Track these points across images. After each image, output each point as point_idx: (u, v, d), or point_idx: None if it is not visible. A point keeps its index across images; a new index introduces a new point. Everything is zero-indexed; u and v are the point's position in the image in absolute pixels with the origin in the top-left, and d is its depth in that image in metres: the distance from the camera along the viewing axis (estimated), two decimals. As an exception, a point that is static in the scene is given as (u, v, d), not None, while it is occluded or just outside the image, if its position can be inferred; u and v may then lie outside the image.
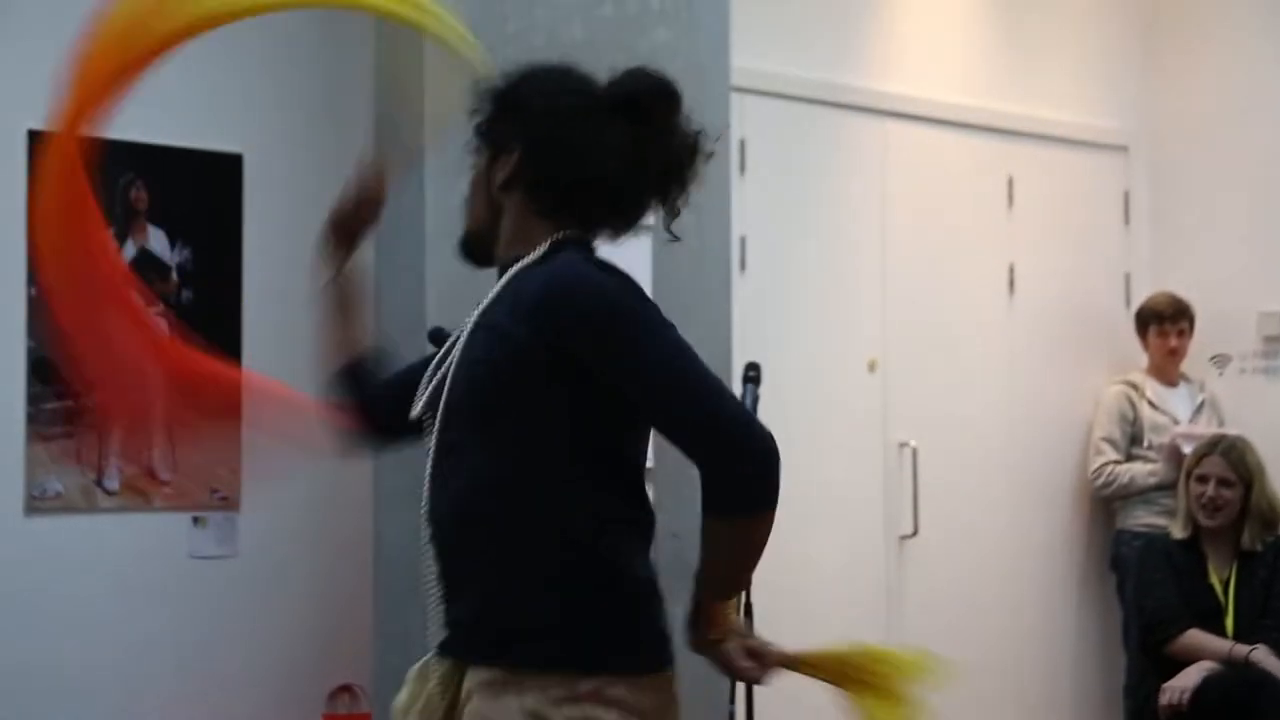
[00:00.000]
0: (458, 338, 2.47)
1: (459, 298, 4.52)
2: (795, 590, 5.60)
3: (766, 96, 5.71)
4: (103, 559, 4.50)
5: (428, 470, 2.44)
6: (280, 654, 4.85)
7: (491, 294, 2.44)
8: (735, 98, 5.03)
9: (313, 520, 4.85)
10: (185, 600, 4.65)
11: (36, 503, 4.36)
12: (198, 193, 4.64)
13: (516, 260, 2.42)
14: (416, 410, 2.45)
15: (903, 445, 6.08)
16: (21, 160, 4.35)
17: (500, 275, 2.46)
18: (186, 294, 4.60)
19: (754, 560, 2.37)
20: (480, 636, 2.33)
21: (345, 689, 4.86)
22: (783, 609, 5.23)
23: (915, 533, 6.09)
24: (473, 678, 2.32)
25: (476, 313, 2.44)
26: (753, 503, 2.24)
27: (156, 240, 4.56)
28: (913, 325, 6.16)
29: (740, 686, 4.40)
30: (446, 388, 2.39)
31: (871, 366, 6.05)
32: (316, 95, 4.93)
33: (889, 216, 6.13)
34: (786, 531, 5.56)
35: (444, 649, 2.39)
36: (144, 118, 4.56)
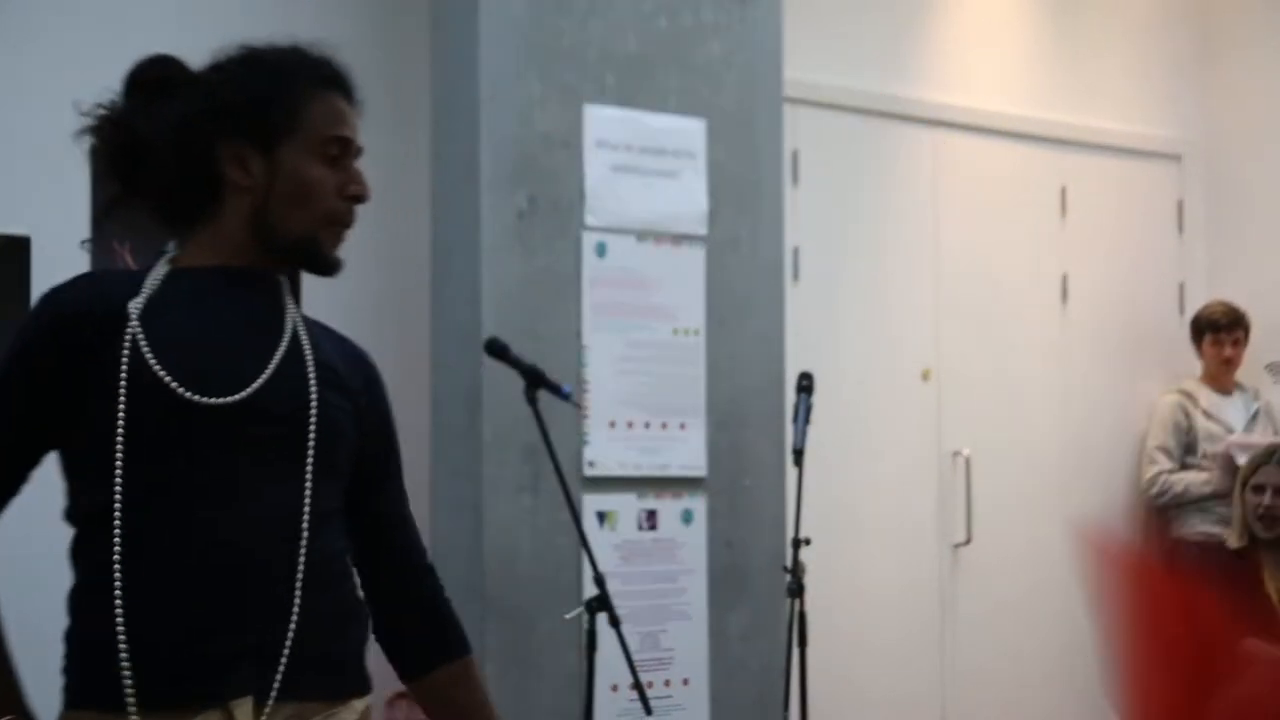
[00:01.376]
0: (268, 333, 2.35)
1: (515, 308, 4.57)
2: (849, 598, 5.62)
3: (819, 108, 5.74)
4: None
5: (231, 481, 2.18)
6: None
7: (309, 334, 2.41)
8: (788, 109, 5.07)
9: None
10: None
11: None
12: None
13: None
14: (243, 394, 2.19)
15: (956, 454, 6.09)
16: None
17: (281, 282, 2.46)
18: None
19: None
20: (353, 670, 2.33)
21: (403, 695, 4.89)
22: (836, 616, 5.26)
23: (969, 541, 6.09)
24: (349, 713, 2.30)
25: (309, 352, 2.36)
26: None
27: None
28: (966, 334, 6.17)
29: (794, 694, 4.41)
30: (315, 419, 2.26)
31: (925, 376, 6.06)
32: (375, 105, 4.97)
33: (942, 226, 6.14)
34: (839, 540, 5.60)
35: (297, 689, 2.19)
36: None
